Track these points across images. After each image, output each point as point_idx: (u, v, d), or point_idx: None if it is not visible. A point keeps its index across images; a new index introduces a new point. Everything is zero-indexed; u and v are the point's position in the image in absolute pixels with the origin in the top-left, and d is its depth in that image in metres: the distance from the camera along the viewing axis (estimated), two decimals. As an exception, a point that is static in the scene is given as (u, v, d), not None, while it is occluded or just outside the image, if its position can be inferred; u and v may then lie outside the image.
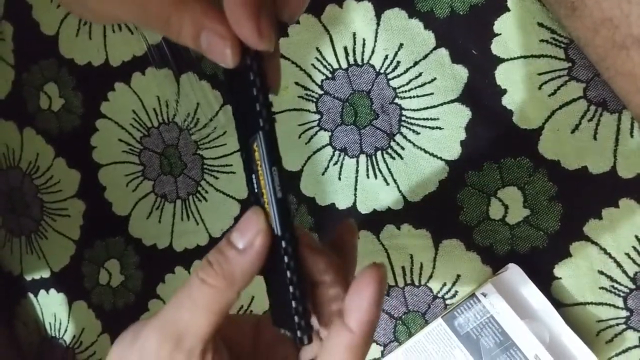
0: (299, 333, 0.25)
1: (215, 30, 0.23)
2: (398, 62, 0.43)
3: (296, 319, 0.25)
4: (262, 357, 0.30)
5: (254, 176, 0.25)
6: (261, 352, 0.30)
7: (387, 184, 0.44)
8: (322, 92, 0.45)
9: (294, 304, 0.25)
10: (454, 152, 0.42)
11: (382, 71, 0.44)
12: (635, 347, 0.40)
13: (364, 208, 0.45)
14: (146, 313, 0.53)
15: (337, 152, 0.45)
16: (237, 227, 0.25)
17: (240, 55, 0.23)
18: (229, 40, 0.23)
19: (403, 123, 0.43)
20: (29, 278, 0.58)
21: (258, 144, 0.24)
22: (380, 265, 0.25)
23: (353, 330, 0.24)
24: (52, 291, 0.57)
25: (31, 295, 0.58)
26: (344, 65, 0.45)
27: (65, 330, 0.56)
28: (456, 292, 0.43)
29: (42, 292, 0.57)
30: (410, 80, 0.43)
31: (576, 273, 0.40)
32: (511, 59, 0.41)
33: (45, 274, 0.57)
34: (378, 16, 0.43)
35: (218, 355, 0.26)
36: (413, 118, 0.43)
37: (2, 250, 0.59)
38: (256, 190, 0.25)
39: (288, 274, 0.25)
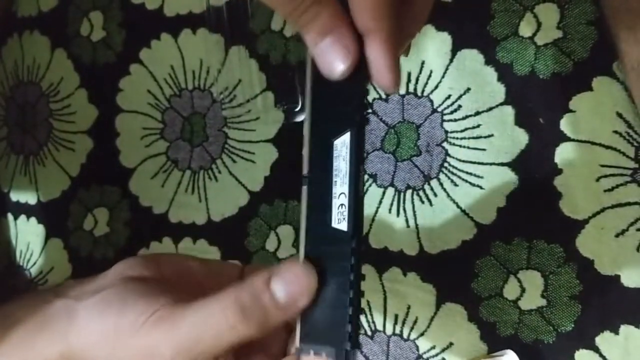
0: (348, 345, 0.23)
1: (344, 40, 0.22)
2: (459, 106, 0.40)
3: (349, 328, 0.23)
4: None
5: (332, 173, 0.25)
6: None
7: (408, 225, 0.41)
8: (369, 111, 0.43)
9: (350, 311, 0.23)
10: (487, 216, 0.39)
11: (439, 109, 0.41)
12: None
13: (375, 242, 0.42)
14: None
15: (365, 176, 0.42)
16: (281, 275, 0.24)
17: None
18: (352, 56, 0.22)
19: (444, 169, 0.40)
20: (14, 199, 0.55)
21: (350, 139, 0.24)
22: None
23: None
24: (33, 220, 0.54)
25: (11, 217, 0.55)
26: (402, 90, 0.42)
27: (34, 263, 0.54)
28: (443, 359, 0.40)
29: (23, 217, 0.55)
30: (466, 129, 0.40)
31: (574, 382, 0.37)
32: (577, 140, 0.38)
33: (32, 201, 0.54)
34: (453, 52, 0.40)
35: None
36: (456, 168, 0.40)
37: (-2, 162, 0.57)
38: (333, 188, 0.25)
39: (351, 277, 0.23)
